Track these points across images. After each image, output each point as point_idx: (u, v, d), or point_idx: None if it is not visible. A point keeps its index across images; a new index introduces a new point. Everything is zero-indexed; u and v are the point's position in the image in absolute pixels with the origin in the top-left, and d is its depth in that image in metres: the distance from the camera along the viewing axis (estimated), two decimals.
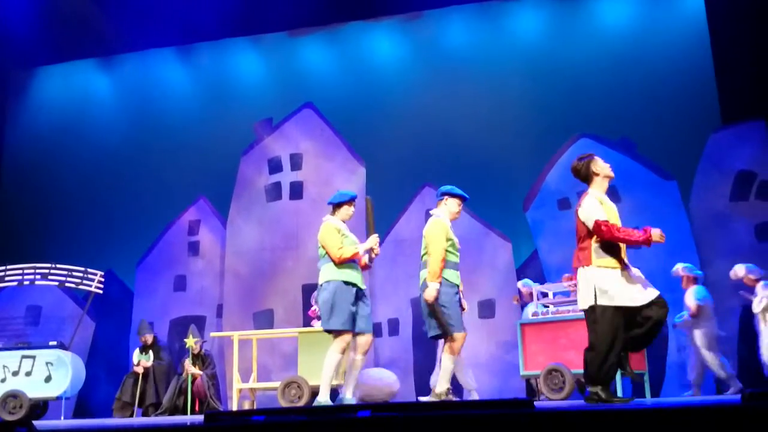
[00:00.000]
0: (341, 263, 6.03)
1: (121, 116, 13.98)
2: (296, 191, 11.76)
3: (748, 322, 9.73)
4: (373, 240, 6.17)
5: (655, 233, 4.96)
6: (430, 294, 5.88)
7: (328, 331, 6.07)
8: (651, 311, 4.93)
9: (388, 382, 9.19)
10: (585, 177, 5.25)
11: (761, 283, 8.24)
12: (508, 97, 12.14)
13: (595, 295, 4.98)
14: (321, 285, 6.11)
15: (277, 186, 11.84)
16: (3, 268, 9.29)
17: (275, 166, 11.91)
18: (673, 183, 10.43)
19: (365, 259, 6.18)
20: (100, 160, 13.71)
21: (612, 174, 5.28)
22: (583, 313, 5.18)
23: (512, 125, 11.94)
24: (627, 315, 4.96)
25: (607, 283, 4.96)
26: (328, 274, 6.07)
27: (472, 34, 12.89)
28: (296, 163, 11.84)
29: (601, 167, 5.25)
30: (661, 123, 11.28)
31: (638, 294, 4.95)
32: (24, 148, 14.29)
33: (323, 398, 5.96)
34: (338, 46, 13.55)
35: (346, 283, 6.01)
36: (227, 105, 13.43)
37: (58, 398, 8.77)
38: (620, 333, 4.93)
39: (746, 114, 10.53)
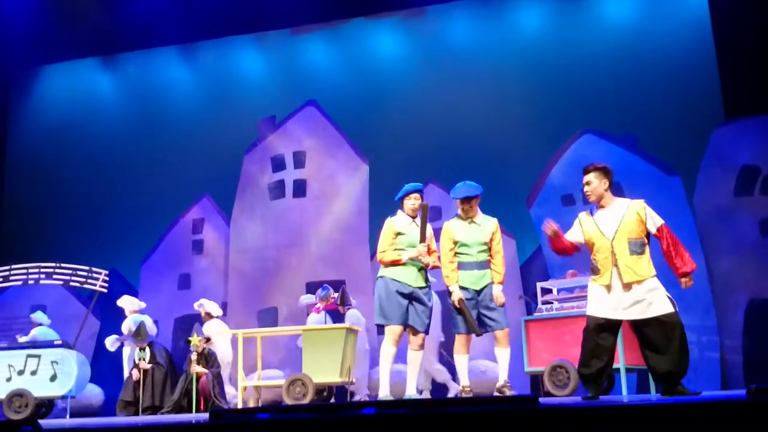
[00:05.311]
0: (383, 264, 6.27)
1: (124, 115, 13.99)
2: (300, 189, 11.76)
3: (753, 317, 9.72)
4: (417, 251, 6.19)
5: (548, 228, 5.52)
6: (452, 297, 6.25)
7: (378, 325, 6.35)
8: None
9: None
10: None
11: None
12: (511, 93, 12.10)
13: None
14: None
15: (281, 184, 11.84)
16: (7, 267, 9.29)
17: (278, 164, 11.91)
18: (677, 179, 10.37)
19: (425, 260, 6.25)
20: (103, 158, 13.72)
21: (592, 198, 5.47)
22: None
23: (516, 121, 11.90)
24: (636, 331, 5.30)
25: (590, 296, 5.45)
26: (380, 270, 6.34)
27: (475, 30, 12.86)
28: (299, 160, 11.84)
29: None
30: (664, 118, 11.23)
31: (606, 308, 5.28)
32: (28, 146, 14.30)
33: (383, 393, 6.13)
34: (341, 44, 13.53)
35: (394, 280, 6.16)
36: (230, 103, 13.42)
37: (64, 397, 8.78)
38: (597, 342, 5.31)
39: (750, 109, 10.48)
